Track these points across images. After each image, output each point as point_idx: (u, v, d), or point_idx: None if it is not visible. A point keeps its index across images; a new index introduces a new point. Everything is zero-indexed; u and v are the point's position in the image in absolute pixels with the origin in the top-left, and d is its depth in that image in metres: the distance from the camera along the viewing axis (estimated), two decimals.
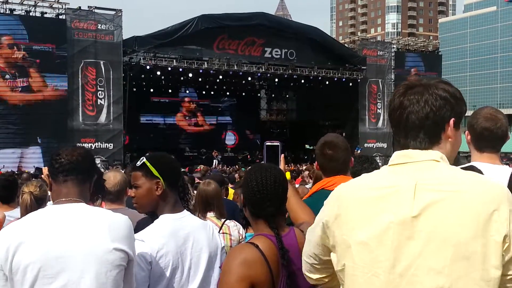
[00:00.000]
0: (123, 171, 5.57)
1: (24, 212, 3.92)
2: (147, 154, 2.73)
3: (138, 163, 2.59)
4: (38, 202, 3.98)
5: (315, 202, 2.84)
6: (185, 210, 2.67)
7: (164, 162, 2.64)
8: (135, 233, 2.38)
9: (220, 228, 3.83)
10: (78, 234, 2.14)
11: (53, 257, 2.09)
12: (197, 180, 10.81)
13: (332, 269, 1.73)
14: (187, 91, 38.79)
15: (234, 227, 4.27)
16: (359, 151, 31.82)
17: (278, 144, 2.99)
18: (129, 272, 2.23)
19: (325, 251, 1.73)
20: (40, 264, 2.08)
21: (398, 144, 1.69)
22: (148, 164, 2.55)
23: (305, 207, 2.61)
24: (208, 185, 4.41)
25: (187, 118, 39.84)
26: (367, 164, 3.99)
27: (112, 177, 4.00)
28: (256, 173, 2.29)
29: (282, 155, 2.87)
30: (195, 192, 4.72)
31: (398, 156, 1.66)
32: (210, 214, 4.28)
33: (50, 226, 2.15)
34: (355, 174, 3.97)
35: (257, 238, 2.19)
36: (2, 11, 25.70)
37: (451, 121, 1.64)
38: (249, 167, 2.51)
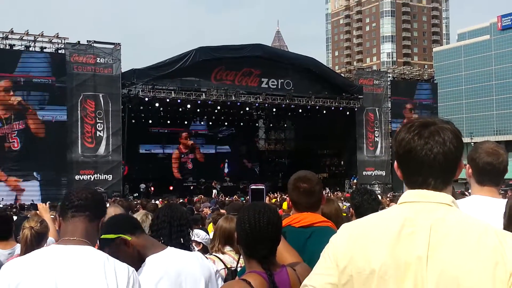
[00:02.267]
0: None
1: (24, 247, 3.89)
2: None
3: (100, 248, 2.55)
4: (39, 237, 3.95)
5: None
6: (168, 246, 2.68)
7: (111, 222, 2.63)
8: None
9: (237, 262, 3.83)
10: (75, 279, 2.12)
11: None
12: (204, 210, 10.76)
13: None
14: (186, 122, 38.98)
15: None
16: (355, 181, 31.81)
17: (263, 187, 3.03)
18: None
19: None
20: None
21: (413, 183, 1.68)
22: (102, 236, 2.53)
23: (291, 248, 2.58)
24: (231, 221, 4.43)
25: (184, 155, 39.84)
26: (367, 195, 3.97)
27: (113, 212, 4.01)
28: (249, 215, 2.25)
29: (267, 198, 2.88)
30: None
31: (412, 195, 1.66)
32: (228, 249, 4.31)
33: (49, 268, 2.15)
34: (355, 206, 3.99)
35: (249, 275, 2.17)
36: (2, 47, 26.00)
37: (462, 161, 1.68)
38: (242, 207, 2.47)
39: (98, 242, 2.55)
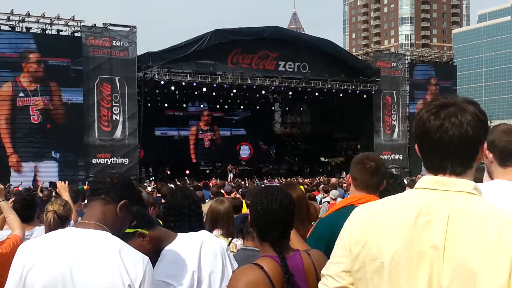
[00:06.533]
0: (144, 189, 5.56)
1: (48, 231, 3.95)
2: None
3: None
4: (62, 221, 3.98)
5: (341, 218, 2.80)
6: (178, 234, 2.73)
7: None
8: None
9: (228, 246, 3.83)
10: (89, 263, 2.09)
11: (59, 282, 2.07)
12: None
13: None
14: (202, 105, 39.01)
15: (241, 245, 4.28)
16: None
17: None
18: None
19: (346, 278, 1.68)
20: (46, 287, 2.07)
21: (430, 166, 1.63)
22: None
23: (302, 240, 2.61)
24: (221, 203, 4.42)
25: (202, 131, 39.96)
26: (392, 180, 3.92)
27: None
28: (262, 197, 2.29)
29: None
30: None
31: (430, 181, 1.61)
32: (217, 232, 4.28)
33: (64, 251, 2.12)
34: (380, 191, 3.92)
35: (262, 260, 2.18)
36: (18, 30, 26.16)
37: (485, 143, 1.61)
38: (256, 191, 2.51)
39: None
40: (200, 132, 39.87)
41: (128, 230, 2.56)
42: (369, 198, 2.84)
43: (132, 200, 2.36)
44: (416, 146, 1.68)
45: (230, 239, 4.30)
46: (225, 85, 31.05)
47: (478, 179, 1.70)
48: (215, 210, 4.36)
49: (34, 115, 25.79)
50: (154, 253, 2.62)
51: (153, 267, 2.54)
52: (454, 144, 1.56)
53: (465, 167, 1.59)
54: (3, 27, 26.00)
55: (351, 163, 2.99)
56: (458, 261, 1.47)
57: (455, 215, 1.51)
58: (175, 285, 2.47)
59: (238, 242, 4.29)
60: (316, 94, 34.45)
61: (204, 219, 4.50)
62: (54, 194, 9.30)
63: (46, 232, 3.96)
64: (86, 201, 2.38)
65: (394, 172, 28.20)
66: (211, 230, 4.26)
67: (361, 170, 2.91)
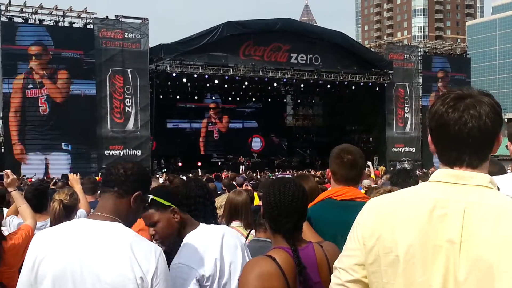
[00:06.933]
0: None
1: (53, 220, 3.97)
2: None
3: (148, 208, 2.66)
4: (67, 210, 4.02)
5: (320, 211, 2.81)
6: (200, 223, 2.73)
7: (167, 190, 2.75)
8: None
9: (246, 238, 3.82)
10: (100, 255, 2.08)
11: (68, 274, 2.07)
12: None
13: None
14: (213, 97, 39.04)
15: None
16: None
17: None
18: None
19: (359, 271, 1.67)
20: (56, 279, 2.07)
21: (446, 159, 1.60)
22: (156, 198, 2.60)
23: (314, 231, 2.60)
24: (239, 194, 4.40)
25: (212, 124, 40.05)
26: (405, 174, 3.92)
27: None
28: (274, 188, 2.28)
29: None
30: None
31: (446, 174, 1.59)
32: (236, 223, 4.27)
33: (75, 243, 2.11)
34: (395, 186, 3.92)
35: (275, 251, 2.18)
36: (31, 22, 26.31)
37: (501, 136, 1.60)
38: (269, 182, 2.51)
39: (145, 206, 2.57)
40: (211, 124, 39.95)
41: (164, 202, 2.61)
42: (347, 190, 2.85)
43: (146, 190, 2.35)
44: (429, 138, 1.66)
45: (249, 230, 4.29)
46: (237, 77, 31.03)
47: (493, 173, 1.67)
48: (234, 201, 4.33)
49: (43, 106, 25.96)
50: (177, 235, 2.65)
51: (176, 250, 2.60)
52: (473, 137, 1.54)
53: (481, 159, 1.58)
54: (16, 19, 26.20)
55: (329, 157, 2.97)
56: (475, 255, 1.45)
57: (471, 208, 1.50)
58: (199, 270, 2.48)
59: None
60: (328, 86, 34.32)
61: (221, 211, 4.51)
62: (67, 186, 9.36)
63: (51, 222, 4.01)
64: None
65: (407, 166, 28.17)
66: (229, 222, 4.28)
67: (339, 164, 2.90)
